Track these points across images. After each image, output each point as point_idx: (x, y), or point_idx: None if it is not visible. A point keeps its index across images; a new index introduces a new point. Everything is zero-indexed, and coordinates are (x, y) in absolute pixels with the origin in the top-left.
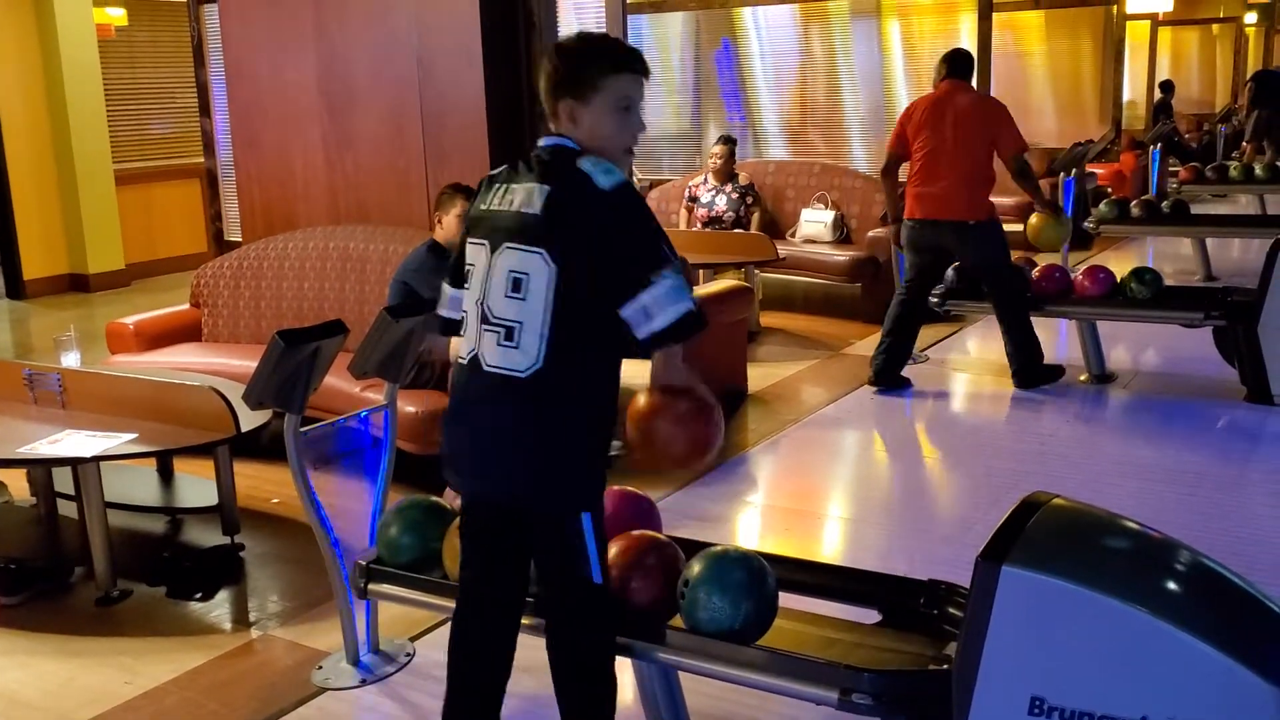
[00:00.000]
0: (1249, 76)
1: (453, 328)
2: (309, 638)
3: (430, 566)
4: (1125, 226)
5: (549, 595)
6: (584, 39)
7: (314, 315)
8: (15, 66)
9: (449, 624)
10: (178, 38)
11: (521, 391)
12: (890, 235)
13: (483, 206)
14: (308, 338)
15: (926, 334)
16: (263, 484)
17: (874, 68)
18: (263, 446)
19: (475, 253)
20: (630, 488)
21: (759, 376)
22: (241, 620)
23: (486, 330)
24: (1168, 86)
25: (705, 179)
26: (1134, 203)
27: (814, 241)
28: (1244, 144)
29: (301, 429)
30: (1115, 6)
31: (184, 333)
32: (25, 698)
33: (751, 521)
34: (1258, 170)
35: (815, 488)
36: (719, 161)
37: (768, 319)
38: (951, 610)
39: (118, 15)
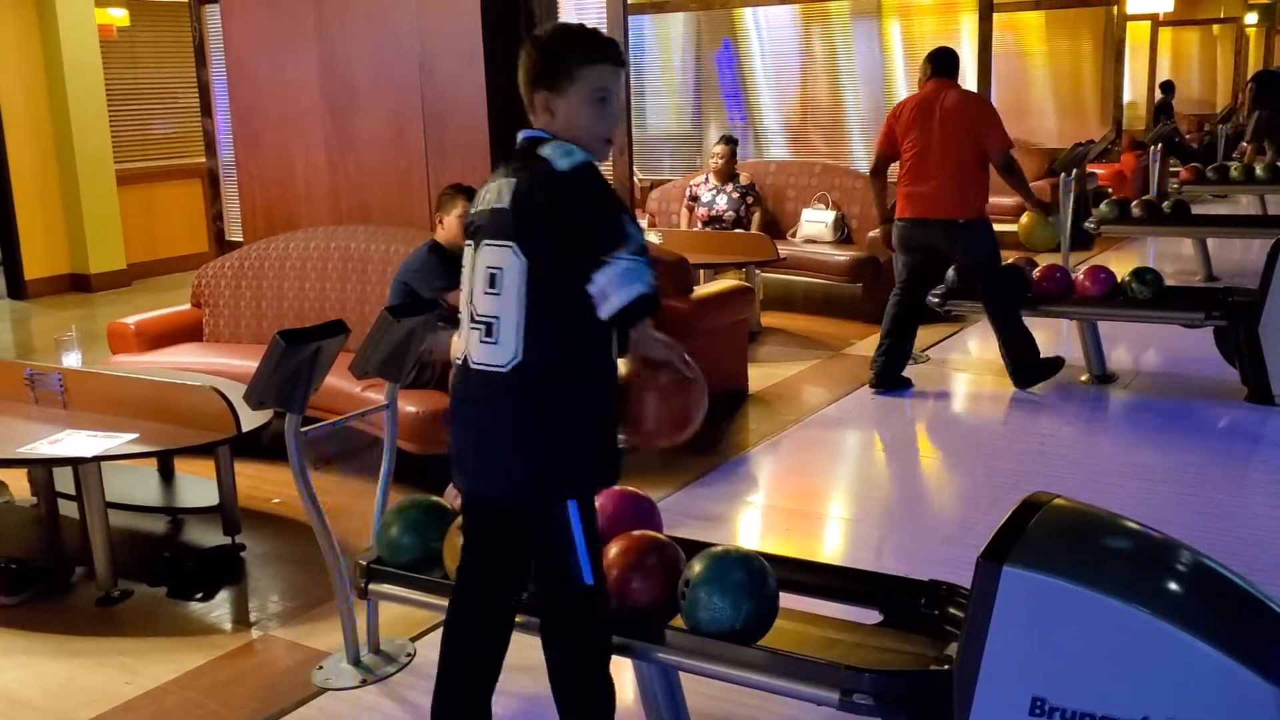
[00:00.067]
0: (1250, 77)
1: None
2: (309, 638)
3: (431, 566)
4: (1126, 227)
5: (543, 596)
6: (559, 30)
7: (315, 315)
8: (17, 66)
9: None
10: (179, 38)
11: (505, 387)
12: (881, 236)
13: (473, 209)
14: (309, 338)
15: (927, 334)
16: (263, 484)
17: (875, 68)
18: (264, 446)
19: (466, 254)
20: (631, 488)
21: (760, 376)
22: (242, 620)
23: (471, 329)
24: (1168, 87)
25: (706, 179)
26: (1135, 203)
27: (815, 241)
28: (1244, 144)
29: (302, 429)
30: (1116, 7)
31: (185, 333)
32: (25, 698)
33: (752, 522)
34: (1258, 171)
35: (816, 488)
36: (720, 161)
37: (768, 319)
38: (952, 610)
39: (119, 16)
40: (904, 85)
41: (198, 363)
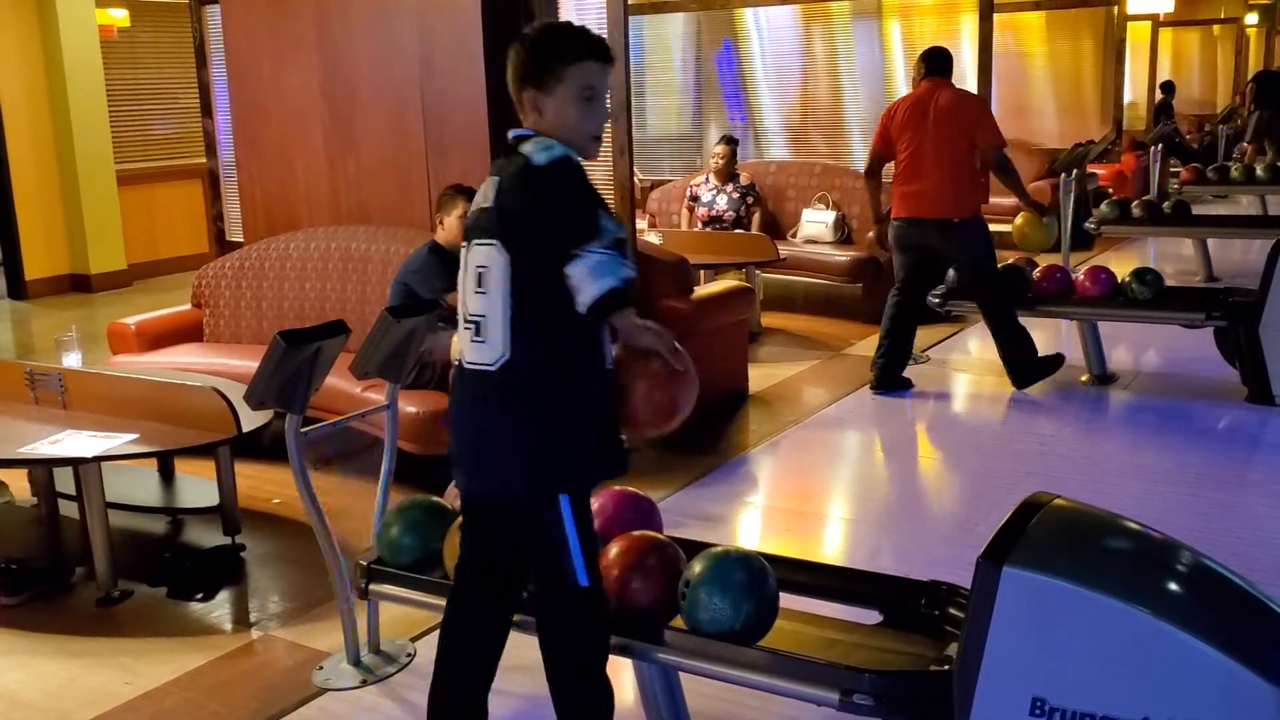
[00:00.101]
0: (1250, 77)
1: None
2: (309, 638)
3: (431, 567)
4: (1126, 227)
5: (541, 596)
6: (546, 29)
7: (315, 316)
8: (18, 67)
9: None
10: (180, 38)
11: (495, 386)
12: (876, 236)
13: (470, 212)
14: (309, 338)
15: (927, 334)
16: (264, 484)
17: (875, 68)
18: (264, 447)
19: (462, 255)
20: (631, 488)
21: (760, 377)
22: (242, 621)
23: (464, 328)
24: (1169, 87)
25: (706, 179)
26: (1135, 203)
27: (815, 242)
28: (1245, 144)
29: (303, 429)
30: (1116, 7)
31: (185, 333)
32: (26, 698)
33: (752, 522)
34: (1259, 171)
35: (816, 488)
36: (720, 161)
37: (769, 319)
38: (952, 611)
39: (120, 16)
40: (904, 85)
41: (198, 363)
